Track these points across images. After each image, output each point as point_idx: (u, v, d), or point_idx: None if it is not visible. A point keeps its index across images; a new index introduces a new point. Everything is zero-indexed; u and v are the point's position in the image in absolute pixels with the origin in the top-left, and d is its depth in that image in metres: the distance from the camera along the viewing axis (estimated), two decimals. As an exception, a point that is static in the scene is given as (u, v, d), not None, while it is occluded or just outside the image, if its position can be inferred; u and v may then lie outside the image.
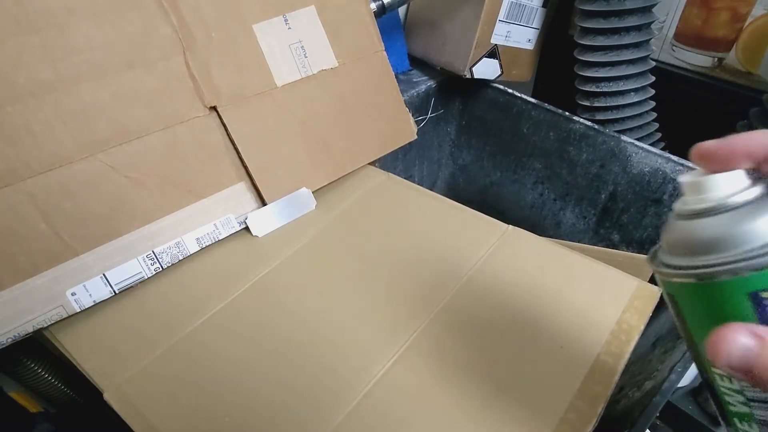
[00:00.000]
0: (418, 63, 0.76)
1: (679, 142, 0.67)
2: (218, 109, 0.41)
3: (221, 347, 0.36)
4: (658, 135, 0.70)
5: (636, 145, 0.62)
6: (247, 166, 0.43)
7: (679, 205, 0.19)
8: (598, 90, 0.66)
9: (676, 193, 0.60)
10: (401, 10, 0.74)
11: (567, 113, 0.68)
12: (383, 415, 0.32)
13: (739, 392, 0.19)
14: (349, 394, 0.33)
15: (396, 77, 0.52)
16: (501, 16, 0.66)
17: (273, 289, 0.40)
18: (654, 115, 0.69)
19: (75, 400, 0.47)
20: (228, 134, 0.42)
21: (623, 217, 0.67)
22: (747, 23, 0.67)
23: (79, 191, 0.36)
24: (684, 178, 0.19)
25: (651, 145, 0.63)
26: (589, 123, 0.66)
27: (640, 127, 0.68)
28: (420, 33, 0.74)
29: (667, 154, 0.60)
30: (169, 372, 0.34)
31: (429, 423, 0.31)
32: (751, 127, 0.60)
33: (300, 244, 0.44)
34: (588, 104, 0.68)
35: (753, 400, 0.19)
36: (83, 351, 0.35)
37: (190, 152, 0.41)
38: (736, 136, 0.19)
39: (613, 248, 0.66)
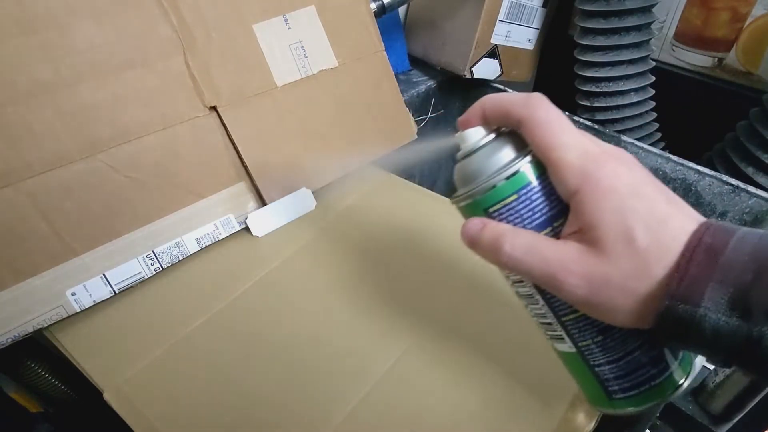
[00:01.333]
0: (418, 63, 0.75)
1: (679, 142, 0.67)
2: (218, 109, 0.41)
3: (221, 347, 0.36)
4: (658, 135, 0.70)
5: (636, 145, 0.62)
6: (247, 166, 0.43)
7: (457, 154, 0.26)
8: (598, 90, 0.66)
9: (676, 192, 0.60)
10: (401, 10, 0.74)
11: (567, 113, 0.67)
12: (384, 415, 0.32)
13: (506, 278, 0.26)
14: (350, 393, 0.33)
15: (396, 77, 0.52)
16: (501, 16, 0.66)
17: (273, 290, 0.40)
18: (654, 115, 0.69)
19: (75, 400, 0.47)
20: (228, 134, 0.42)
21: (623, 217, 0.67)
22: (747, 23, 0.67)
23: (79, 191, 0.36)
24: (455, 135, 0.26)
25: (651, 145, 0.63)
26: (589, 123, 0.66)
27: (640, 127, 0.68)
28: (420, 33, 0.74)
29: (667, 154, 0.60)
30: (169, 372, 0.34)
31: (429, 423, 0.31)
32: (751, 127, 0.60)
33: (300, 244, 0.44)
34: (588, 104, 0.68)
35: (509, 280, 0.26)
36: (83, 351, 0.35)
37: (190, 152, 0.41)
38: (475, 104, 0.26)
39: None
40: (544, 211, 0.24)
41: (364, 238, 0.44)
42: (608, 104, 0.67)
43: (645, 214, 0.21)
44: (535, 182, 0.23)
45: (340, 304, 0.39)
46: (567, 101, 0.70)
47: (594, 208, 0.22)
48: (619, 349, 0.24)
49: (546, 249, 0.23)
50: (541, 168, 0.23)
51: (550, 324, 0.25)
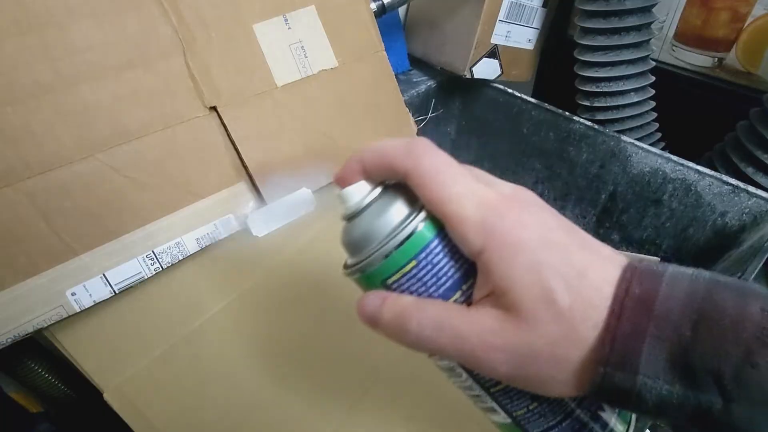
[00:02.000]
0: (418, 63, 0.75)
1: (679, 142, 0.67)
2: (218, 109, 0.41)
3: (221, 347, 0.36)
4: (658, 135, 0.70)
5: (636, 145, 0.62)
6: (247, 166, 0.43)
7: (341, 214, 0.23)
8: (598, 90, 0.66)
9: (676, 193, 0.60)
10: (401, 10, 0.74)
11: (567, 113, 0.68)
12: (384, 415, 0.32)
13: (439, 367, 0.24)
14: (349, 393, 0.33)
15: (396, 77, 0.52)
16: (501, 16, 0.66)
17: (273, 290, 0.40)
18: (654, 115, 0.69)
19: (75, 400, 0.47)
20: (228, 134, 0.42)
21: (623, 217, 0.67)
22: (747, 23, 0.67)
23: (79, 191, 0.36)
24: (337, 193, 0.23)
25: (651, 145, 0.63)
26: (589, 123, 0.66)
27: (640, 127, 0.68)
28: (420, 33, 0.74)
29: (667, 154, 0.60)
30: (169, 372, 0.34)
31: (431, 418, 0.31)
32: (751, 127, 0.60)
33: (300, 245, 0.44)
34: (588, 104, 0.69)
35: (430, 355, 0.23)
36: (83, 351, 0.35)
37: (190, 152, 0.41)
38: (351, 157, 0.23)
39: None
40: (449, 274, 0.21)
41: (364, 238, 0.44)
42: (608, 104, 0.67)
43: (561, 267, 0.19)
44: (434, 243, 0.20)
45: (340, 304, 0.39)
46: (567, 101, 0.70)
47: (504, 268, 0.19)
48: (558, 413, 0.22)
49: (458, 322, 0.20)
50: (439, 224, 0.21)
51: (478, 396, 0.23)
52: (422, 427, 0.32)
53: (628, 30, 0.63)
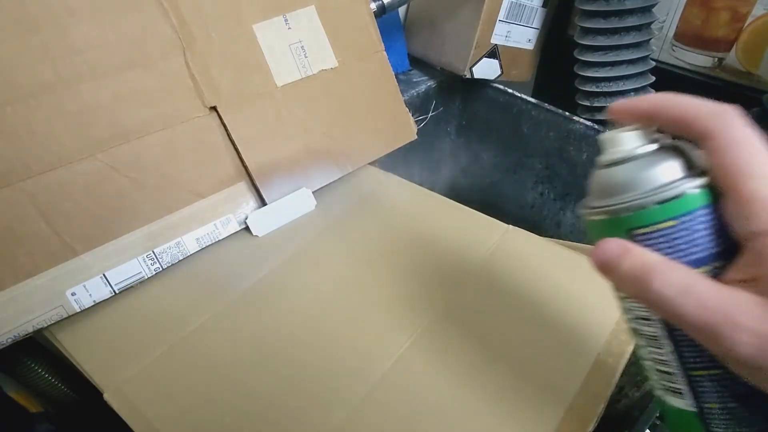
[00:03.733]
0: (418, 63, 0.76)
1: (679, 142, 0.67)
2: (218, 109, 0.41)
3: (221, 347, 0.36)
4: (658, 135, 0.70)
5: (636, 145, 0.62)
6: (247, 166, 0.43)
7: (599, 158, 0.22)
8: (598, 90, 0.66)
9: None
10: (401, 10, 0.74)
11: (567, 113, 0.68)
12: (384, 415, 0.32)
13: (626, 310, 0.23)
14: (350, 394, 0.33)
15: (396, 77, 0.52)
16: (501, 16, 0.66)
17: (273, 290, 0.40)
18: (654, 115, 0.69)
19: (75, 400, 0.47)
20: (228, 134, 0.42)
21: (623, 217, 0.67)
22: (747, 23, 0.67)
23: (79, 191, 0.36)
24: (602, 135, 0.22)
25: (651, 145, 0.63)
26: (589, 123, 0.66)
27: (640, 127, 0.68)
28: (420, 33, 0.74)
29: (667, 154, 0.60)
30: (169, 372, 0.34)
31: (430, 423, 0.31)
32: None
33: (300, 245, 0.44)
34: (588, 104, 0.68)
35: (630, 312, 0.23)
36: (83, 351, 0.35)
37: (190, 152, 0.41)
38: (642, 98, 0.22)
39: (613, 248, 0.66)
40: (705, 246, 0.19)
41: (365, 238, 0.44)
42: (608, 104, 0.66)
43: None
44: (701, 211, 0.19)
45: (340, 304, 0.39)
46: (567, 101, 0.70)
47: None
48: (751, 423, 0.20)
49: (707, 293, 0.19)
50: (714, 196, 0.20)
51: (669, 374, 0.21)
52: (422, 426, 0.31)
53: (628, 30, 0.63)
